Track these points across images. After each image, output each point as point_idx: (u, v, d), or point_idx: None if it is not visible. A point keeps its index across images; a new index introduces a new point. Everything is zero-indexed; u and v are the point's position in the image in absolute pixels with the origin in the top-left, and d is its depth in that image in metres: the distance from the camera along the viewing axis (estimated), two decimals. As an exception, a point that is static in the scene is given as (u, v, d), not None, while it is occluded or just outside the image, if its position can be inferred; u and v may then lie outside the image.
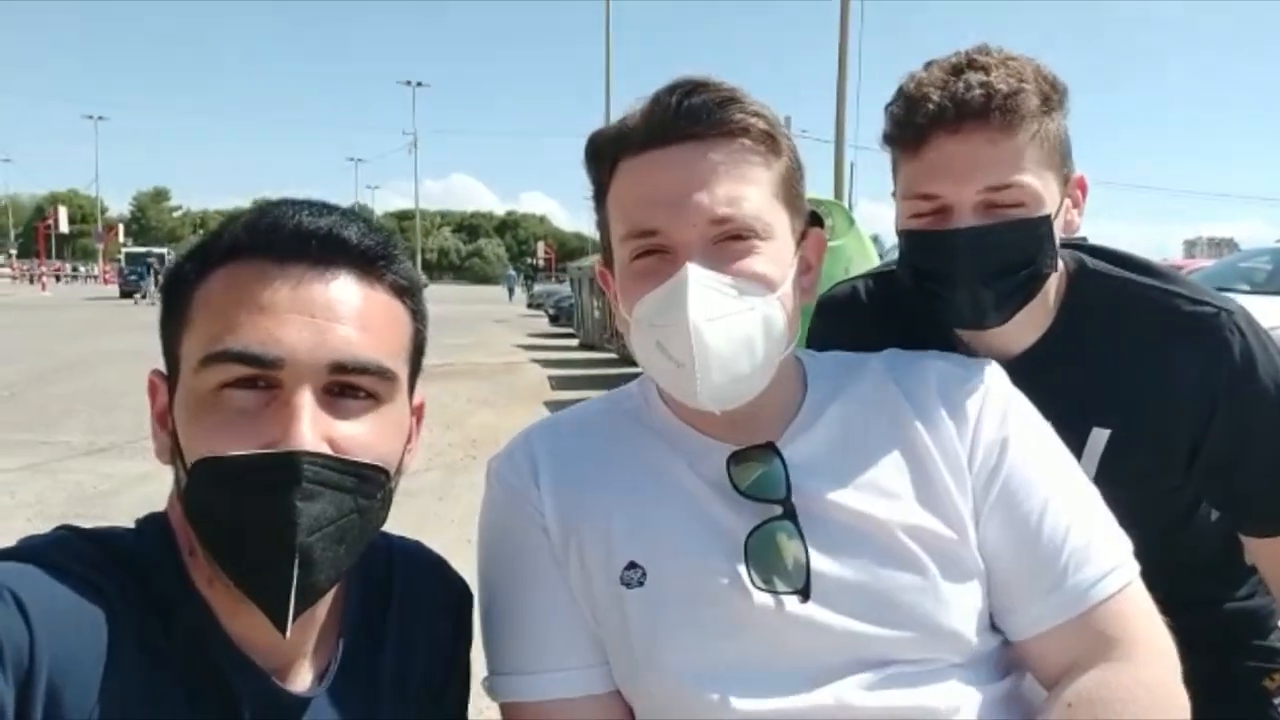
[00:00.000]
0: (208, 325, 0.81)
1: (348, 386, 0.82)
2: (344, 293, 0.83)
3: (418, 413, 0.94)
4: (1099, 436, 1.31)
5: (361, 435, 0.82)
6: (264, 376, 0.79)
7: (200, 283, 0.84)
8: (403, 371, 0.88)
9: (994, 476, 1.03)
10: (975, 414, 1.06)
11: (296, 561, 0.77)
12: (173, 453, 0.83)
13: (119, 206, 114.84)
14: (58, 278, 63.16)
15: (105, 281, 58.13)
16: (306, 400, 0.79)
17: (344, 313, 0.82)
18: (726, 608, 0.98)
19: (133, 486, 6.11)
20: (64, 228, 62.34)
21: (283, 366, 0.79)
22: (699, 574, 0.99)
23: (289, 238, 0.82)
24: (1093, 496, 1.07)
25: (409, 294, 0.90)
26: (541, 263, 72.73)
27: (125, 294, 39.91)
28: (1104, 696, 0.93)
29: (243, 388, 0.79)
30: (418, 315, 0.92)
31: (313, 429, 0.78)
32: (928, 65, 1.24)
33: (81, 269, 75.33)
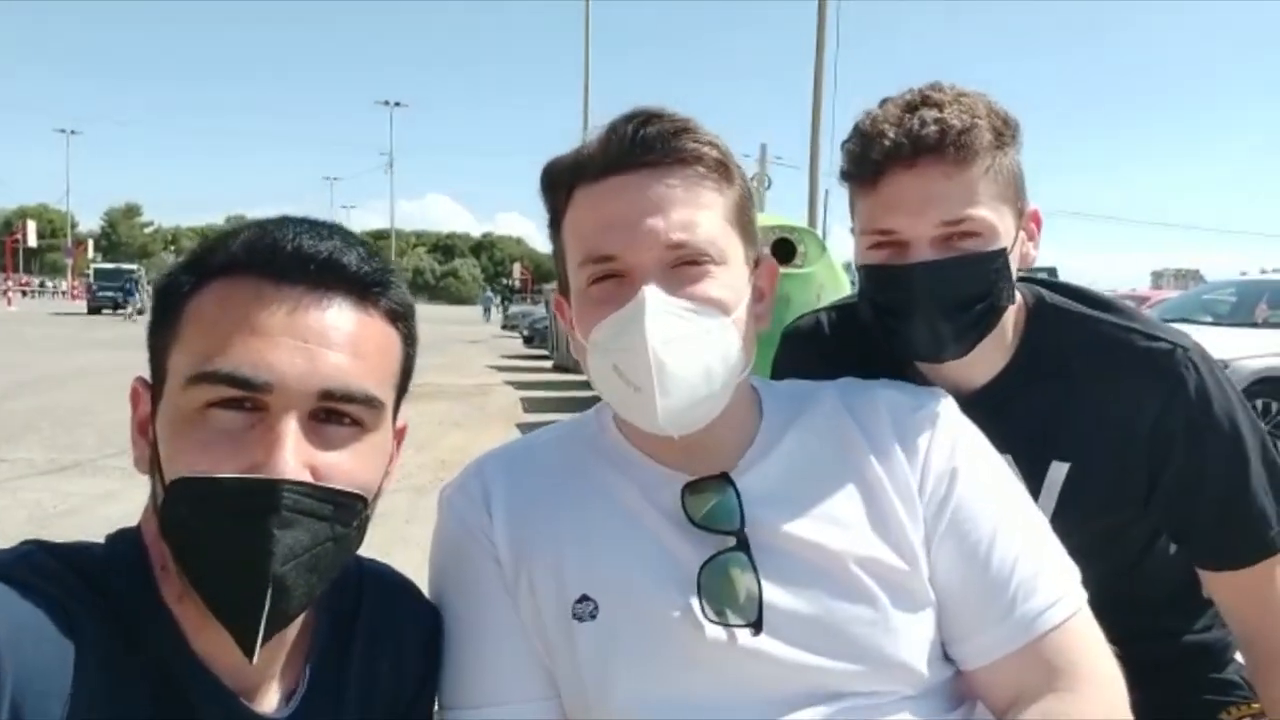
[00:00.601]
0: (198, 341, 0.80)
1: (334, 413, 0.82)
2: (339, 319, 0.83)
3: (399, 436, 0.94)
4: (1058, 470, 1.32)
5: (344, 464, 0.81)
6: (251, 399, 0.79)
7: (193, 295, 0.83)
8: (390, 398, 0.88)
9: (944, 505, 1.04)
10: (926, 443, 1.07)
11: (270, 590, 0.76)
12: (151, 464, 0.83)
13: (90, 222, 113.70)
14: (24, 293, 62.19)
15: (73, 297, 57.40)
16: (291, 427, 0.78)
17: (337, 339, 0.82)
18: (678, 641, 0.97)
19: (94, 506, 5.99)
20: (32, 242, 61.64)
21: (271, 391, 0.78)
22: (651, 607, 0.98)
23: (288, 260, 0.82)
24: (1041, 526, 1.08)
25: (402, 319, 0.90)
26: (518, 284, 72.70)
27: (93, 310, 39.37)
28: None
29: (229, 408, 0.79)
30: (409, 339, 0.92)
31: (295, 456, 0.78)
32: (883, 103, 1.26)
33: (49, 284, 74.32)
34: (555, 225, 1.07)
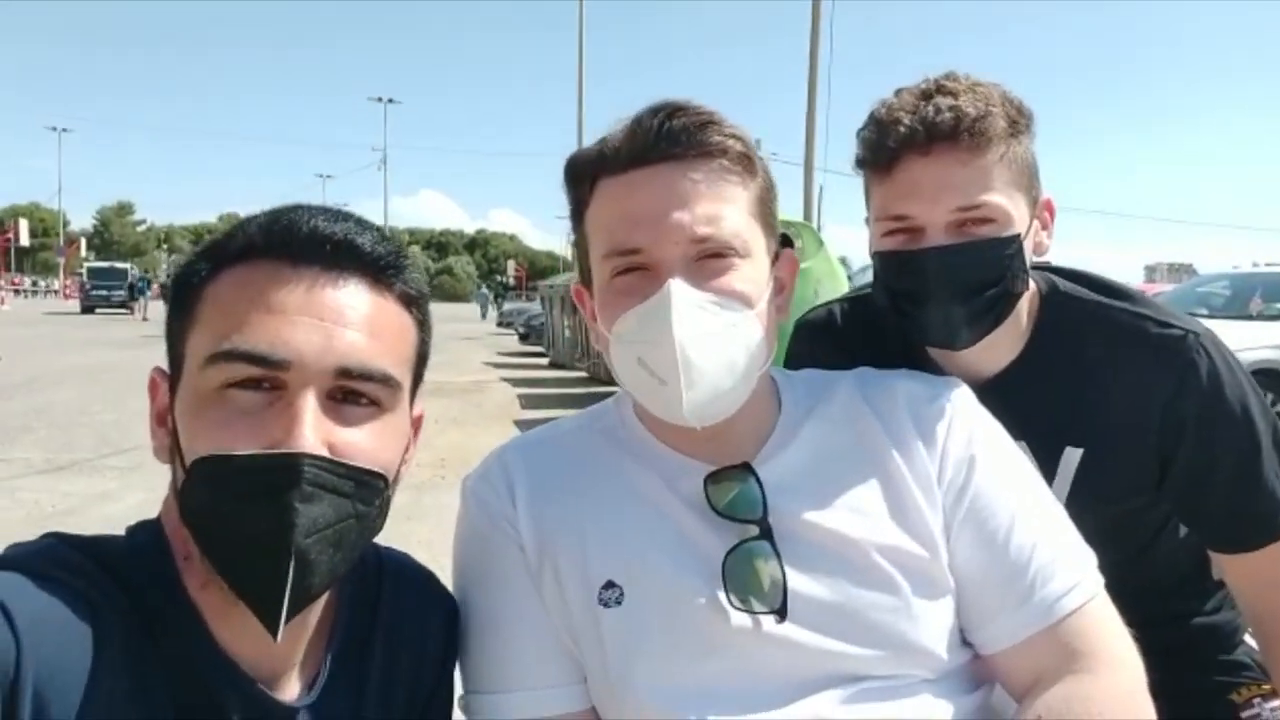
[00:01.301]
0: (216, 324, 0.81)
1: (351, 392, 0.83)
2: (354, 298, 0.84)
3: (416, 424, 0.95)
4: (1071, 456, 1.34)
5: (362, 441, 0.82)
6: (269, 378, 0.79)
7: (210, 281, 0.84)
8: (406, 380, 0.88)
9: (962, 493, 1.05)
10: (943, 432, 1.08)
11: (292, 563, 0.76)
12: (171, 452, 0.83)
13: (82, 220, 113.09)
14: (16, 292, 61.99)
15: (66, 296, 57.17)
16: (310, 403, 0.79)
17: (353, 318, 0.83)
18: (704, 628, 0.98)
19: (93, 505, 5.95)
20: (24, 241, 61.48)
21: (289, 368, 0.79)
22: (677, 594, 0.99)
23: (304, 241, 0.83)
24: (1058, 512, 1.09)
25: (416, 304, 0.91)
26: (512, 281, 72.58)
27: (87, 309, 39.11)
28: (1072, 708, 0.95)
29: (247, 388, 0.79)
30: (423, 326, 0.93)
31: (314, 432, 0.78)
32: (898, 92, 1.28)
33: (41, 283, 74.08)
34: (578, 217, 1.07)
